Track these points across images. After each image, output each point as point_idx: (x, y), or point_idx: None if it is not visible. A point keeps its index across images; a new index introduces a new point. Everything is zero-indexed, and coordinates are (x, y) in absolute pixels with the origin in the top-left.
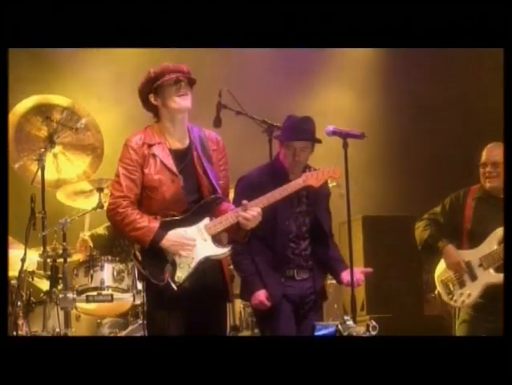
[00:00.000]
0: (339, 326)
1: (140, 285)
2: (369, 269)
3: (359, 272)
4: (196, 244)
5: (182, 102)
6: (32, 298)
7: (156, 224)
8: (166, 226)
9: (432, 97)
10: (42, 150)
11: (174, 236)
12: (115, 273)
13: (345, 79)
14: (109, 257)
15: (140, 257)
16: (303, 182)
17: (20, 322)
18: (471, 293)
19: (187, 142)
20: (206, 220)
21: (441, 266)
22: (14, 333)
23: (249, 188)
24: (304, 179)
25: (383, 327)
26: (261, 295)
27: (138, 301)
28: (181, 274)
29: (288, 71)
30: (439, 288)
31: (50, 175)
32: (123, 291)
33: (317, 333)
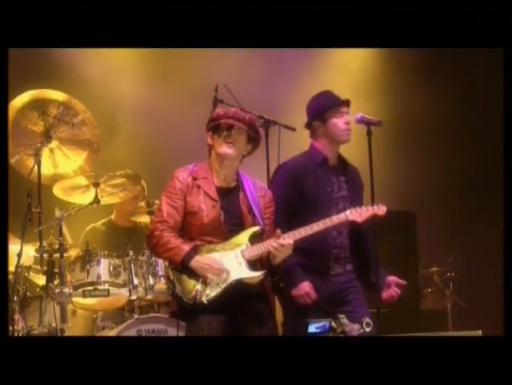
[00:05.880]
0: (333, 323)
1: (136, 281)
2: (403, 282)
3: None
4: (227, 269)
5: (226, 149)
6: (28, 293)
7: (188, 246)
8: (202, 251)
9: (431, 97)
10: (39, 145)
11: (205, 258)
12: (111, 268)
13: (343, 79)
14: (105, 252)
15: (171, 277)
16: (346, 217)
17: (16, 316)
18: None
19: (234, 184)
20: (243, 246)
21: None
22: (11, 328)
23: (290, 177)
24: (348, 214)
25: (379, 322)
26: (306, 286)
27: (134, 297)
28: (210, 292)
29: (286, 67)
30: None
31: (47, 170)
32: (120, 286)
33: (310, 330)
